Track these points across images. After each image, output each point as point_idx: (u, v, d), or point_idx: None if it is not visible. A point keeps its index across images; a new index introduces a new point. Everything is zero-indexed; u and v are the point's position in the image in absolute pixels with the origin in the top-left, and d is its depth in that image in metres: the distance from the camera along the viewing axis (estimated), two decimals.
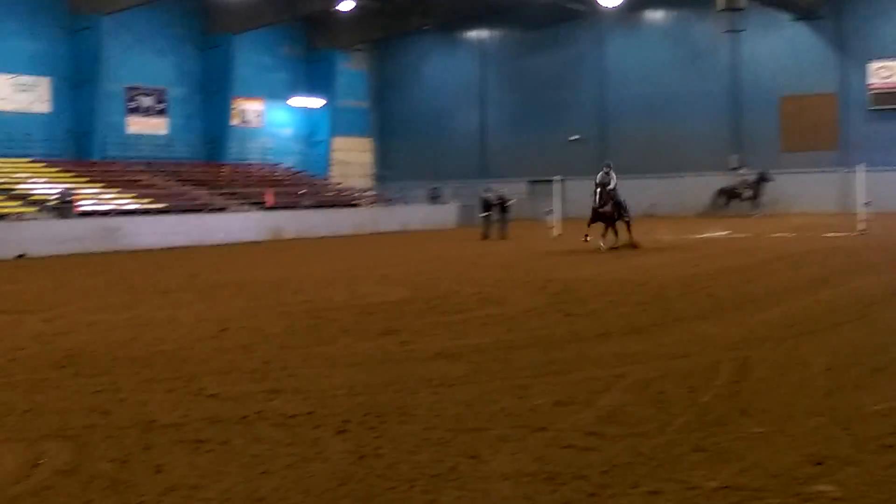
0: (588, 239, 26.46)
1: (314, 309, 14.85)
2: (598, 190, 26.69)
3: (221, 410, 8.01)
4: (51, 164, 39.63)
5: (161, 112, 46.59)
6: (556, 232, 34.13)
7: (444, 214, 49.31)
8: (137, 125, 45.49)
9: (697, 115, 49.92)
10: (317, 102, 53.52)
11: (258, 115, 51.72)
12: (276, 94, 52.07)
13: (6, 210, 33.52)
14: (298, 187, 46.82)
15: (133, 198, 38.45)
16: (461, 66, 56.31)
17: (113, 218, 35.28)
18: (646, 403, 7.84)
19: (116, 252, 32.35)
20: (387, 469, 6.21)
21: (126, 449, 6.89)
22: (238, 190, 43.49)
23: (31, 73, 40.99)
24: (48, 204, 34.72)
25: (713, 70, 50.12)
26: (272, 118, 52.50)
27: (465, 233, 40.17)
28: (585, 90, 52.86)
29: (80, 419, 7.79)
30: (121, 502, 5.71)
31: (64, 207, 34.33)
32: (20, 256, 29.98)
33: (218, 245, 35.69)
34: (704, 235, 32.31)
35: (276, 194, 43.18)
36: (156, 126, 46.34)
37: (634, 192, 49.24)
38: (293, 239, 38.95)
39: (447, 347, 10.83)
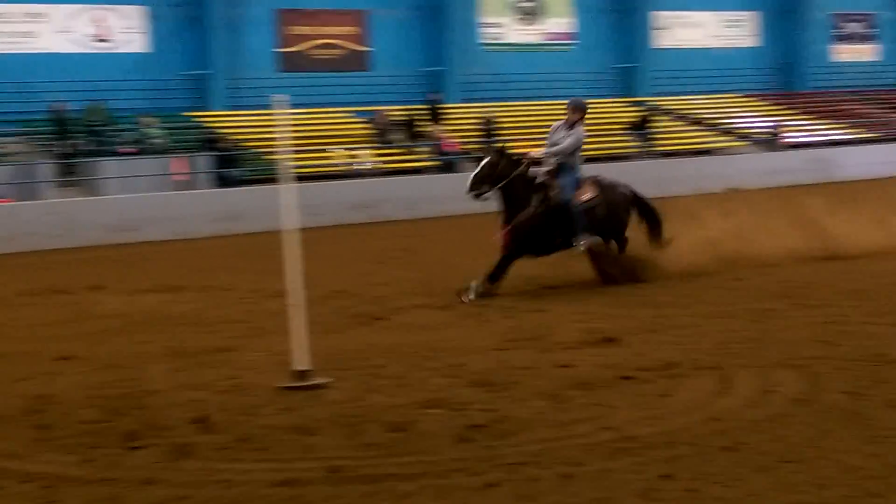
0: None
1: None
2: (480, 169, 11.70)
3: None
4: (757, 97, 40.15)
5: (869, 38, 44.97)
6: None
7: None
8: (844, 53, 44.39)
9: None
10: None
11: None
12: None
13: (716, 145, 34.64)
14: None
15: (842, 128, 37.62)
16: None
17: (822, 149, 34.79)
18: None
19: (826, 183, 31.92)
20: None
21: (857, 381, 6.82)
22: None
23: (738, 9, 41.77)
24: (756, 137, 35.23)
25: None
26: None
27: None
28: None
29: (807, 349, 7.84)
30: (858, 435, 5.65)
31: (772, 140, 34.65)
32: (731, 190, 30.79)
33: None
34: None
35: None
36: (863, 53, 44.85)
37: None
38: None
39: None
